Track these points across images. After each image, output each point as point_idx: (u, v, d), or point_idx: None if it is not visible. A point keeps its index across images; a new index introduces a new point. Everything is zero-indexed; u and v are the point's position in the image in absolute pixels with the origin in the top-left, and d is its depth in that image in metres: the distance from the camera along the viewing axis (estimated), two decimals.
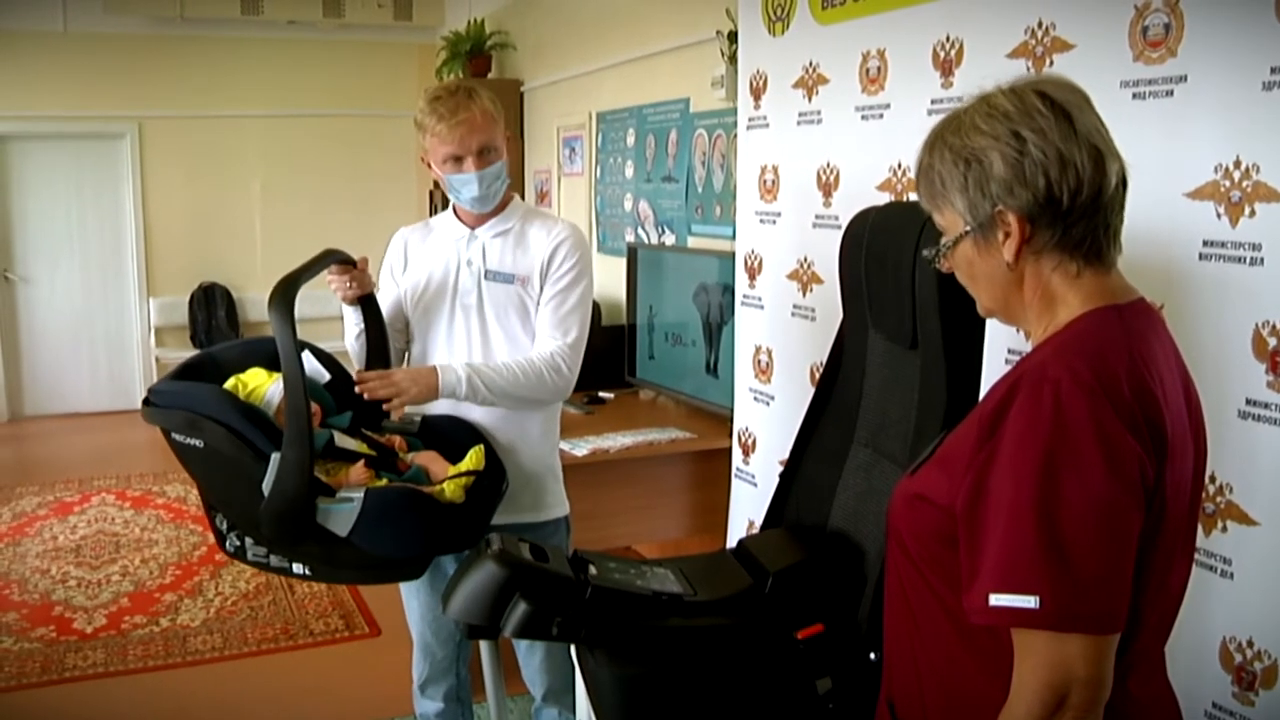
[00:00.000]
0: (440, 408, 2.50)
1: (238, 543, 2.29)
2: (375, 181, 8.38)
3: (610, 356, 4.81)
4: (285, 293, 2.15)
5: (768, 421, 3.43)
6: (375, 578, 2.50)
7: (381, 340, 2.50)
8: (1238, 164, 1.90)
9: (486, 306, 2.51)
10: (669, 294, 4.56)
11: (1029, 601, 1.15)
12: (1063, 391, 1.18)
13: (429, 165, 2.53)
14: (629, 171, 5.43)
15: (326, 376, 2.48)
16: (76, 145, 7.84)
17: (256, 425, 2.18)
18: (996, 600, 1.17)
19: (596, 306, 5.23)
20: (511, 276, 2.50)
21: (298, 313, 2.16)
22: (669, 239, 5.04)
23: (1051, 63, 2.26)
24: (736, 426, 3.61)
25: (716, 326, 4.12)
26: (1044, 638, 1.17)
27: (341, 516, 2.14)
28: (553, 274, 2.49)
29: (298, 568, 2.26)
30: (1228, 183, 1.92)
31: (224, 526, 2.32)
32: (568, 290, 2.49)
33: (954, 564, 1.25)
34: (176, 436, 2.23)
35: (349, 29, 8.04)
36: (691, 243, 4.83)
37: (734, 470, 3.62)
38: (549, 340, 2.47)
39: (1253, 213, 1.89)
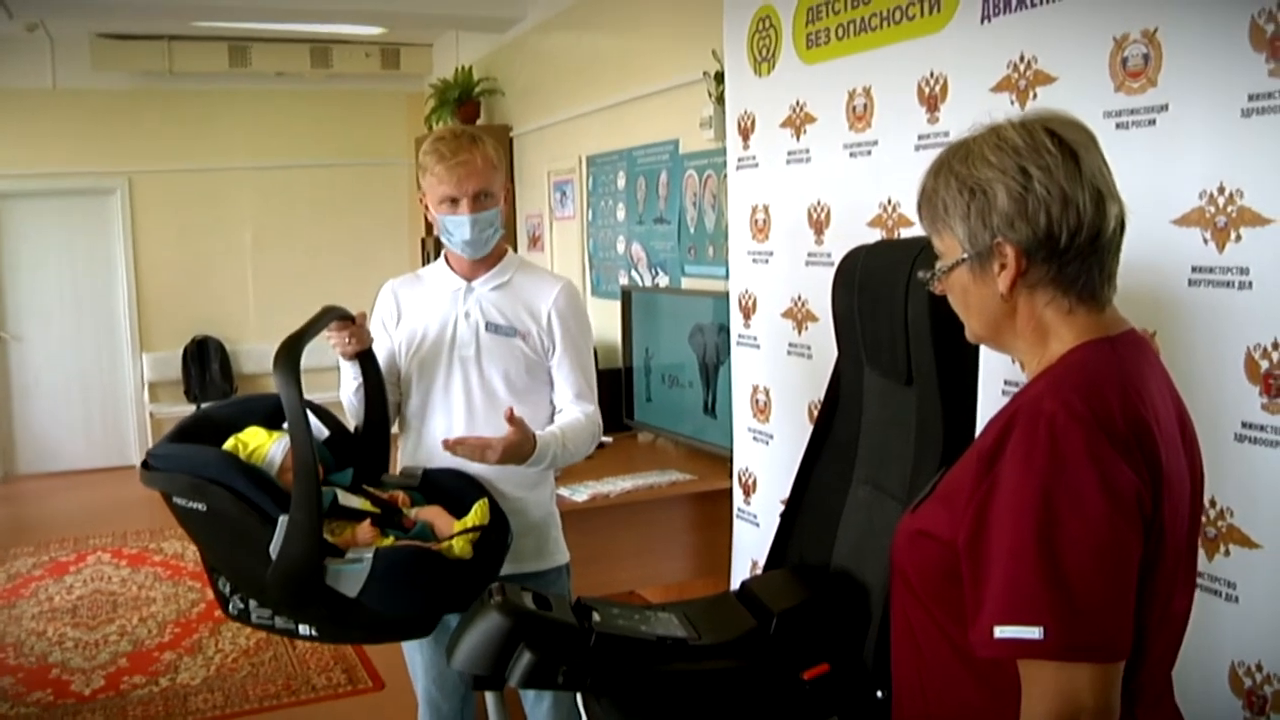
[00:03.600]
0: (440, 460, 2.50)
1: (241, 605, 2.28)
2: (367, 231, 8.43)
3: (608, 400, 4.78)
4: (290, 353, 2.16)
5: (768, 461, 3.44)
6: (383, 637, 2.49)
7: (380, 395, 2.51)
8: (1221, 190, 1.94)
9: (484, 358, 2.52)
10: (664, 336, 4.59)
11: (1033, 633, 1.17)
12: (1057, 425, 1.20)
13: (426, 207, 2.56)
14: (620, 214, 5.47)
15: (325, 433, 2.48)
16: (67, 202, 7.89)
17: (262, 488, 2.18)
18: (1001, 632, 1.19)
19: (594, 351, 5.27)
20: (513, 330, 2.52)
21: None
22: (663, 280, 5.08)
23: (1035, 96, 2.30)
24: (736, 467, 3.62)
25: (713, 367, 4.14)
26: (1050, 668, 1.18)
27: (351, 577, 2.13)
28: (565, 334, 2.53)
29: (304, 629, 2.25)
30: (1213, 208, 1.96)
31: (227, 590, 2.30)
32: (583, 351, 2.56)
33: (959, 599, 1.27)
34: (178, 500, 2.22)
35: (337, 79, 8.13)
36: (685, 284, 4.86)
37: (735, 511, 3.62)
38: (584, 404, 2.53)
39: (1239, 237, 1.92)
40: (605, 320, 5.59)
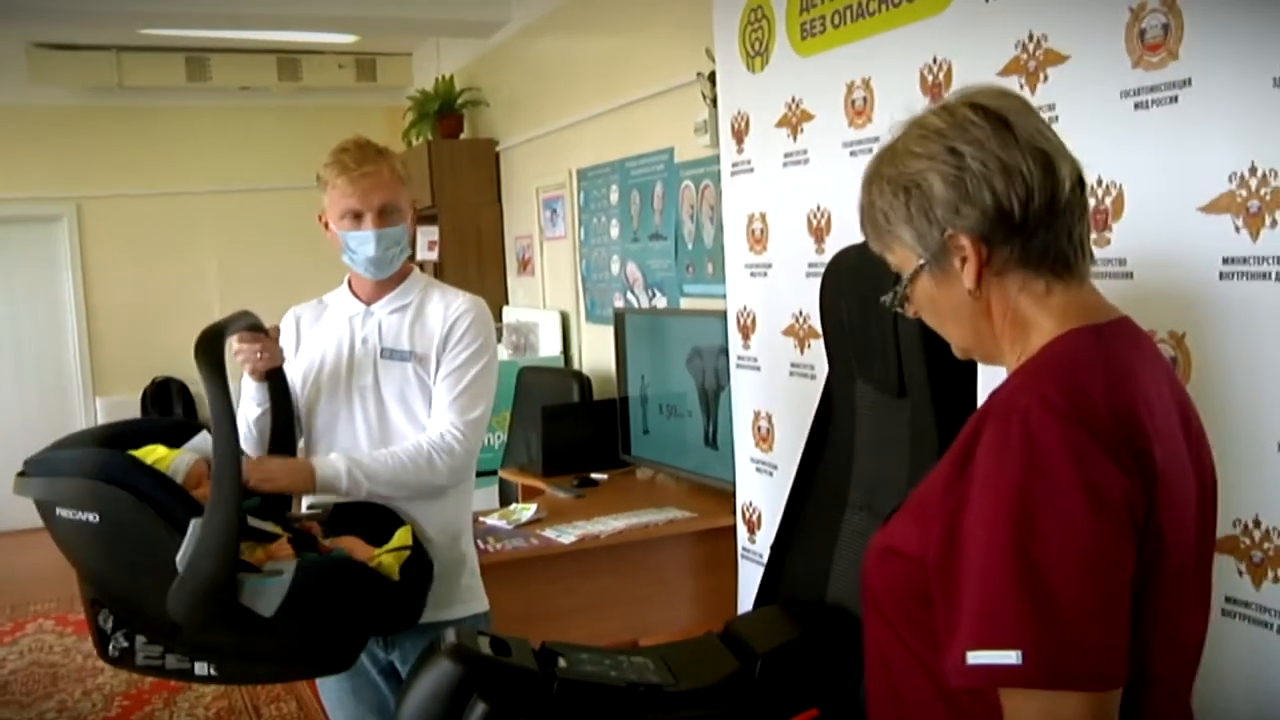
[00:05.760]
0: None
1: (125, 644, 2.23)
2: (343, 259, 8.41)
3: (601, 434, 4.81)
4: (213, 342, 2.18)
5: (773, 493, 3.40)
6: (294, 672, 2.48)
7: (288, 422, 2.52)
8: (1254, 171, 1.91)
9: (383, 387, 2.53)
10: (662, 361, 4.58)
11: (1010, 657, 1.13)
12: (1032, 420, 1.17)
13: (326, 225, 2.61)
14: (614, 231, 5.48)
15: None
16: (5, 231, 7.87)
17: (170, 492, 2.16)
18: (975, 658, 1.15)
19: (586, 381, 5.28)
20: (408, 354, 2.53)
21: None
22: (660, 301, 5.07)
23: (1046, 77, 2.29)
24: (740, 501, 3.59)
25: (713, 393, 4.12)
26: (1034, 699, 1.14)
27: (268, 593, 2.10)
28: (450, 350, 2.51)
29: (200, 668, 2.20)
30: (1244, 192, 1.93)
31: (109, 626, 2.25)
32: (465, 366, 2.51)
33: (932, 623, 1.24)
34: (63, 513, 2.16)
35: (307, 93, 8.17)
36: (684, 304, 4.86)
37: (740, 550, 3.59)
38: (441, 419, 2.48)
39: (1275, 222, 1.89)
40: (601, 347, 5.58)
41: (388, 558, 2.28)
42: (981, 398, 1.83)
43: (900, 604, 1.32)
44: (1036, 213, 1.27)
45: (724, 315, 3.72)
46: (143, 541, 2.13)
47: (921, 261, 1.33)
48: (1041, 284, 1.30)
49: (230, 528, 2.08)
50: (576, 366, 5.94)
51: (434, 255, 6.72)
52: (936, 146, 1.28)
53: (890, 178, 1.33)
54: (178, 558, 2.08)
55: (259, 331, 2.46)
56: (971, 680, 1.17)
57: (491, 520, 3.80)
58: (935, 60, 2.61)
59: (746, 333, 3.49)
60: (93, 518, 2.14)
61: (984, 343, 1.36)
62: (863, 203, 1.39)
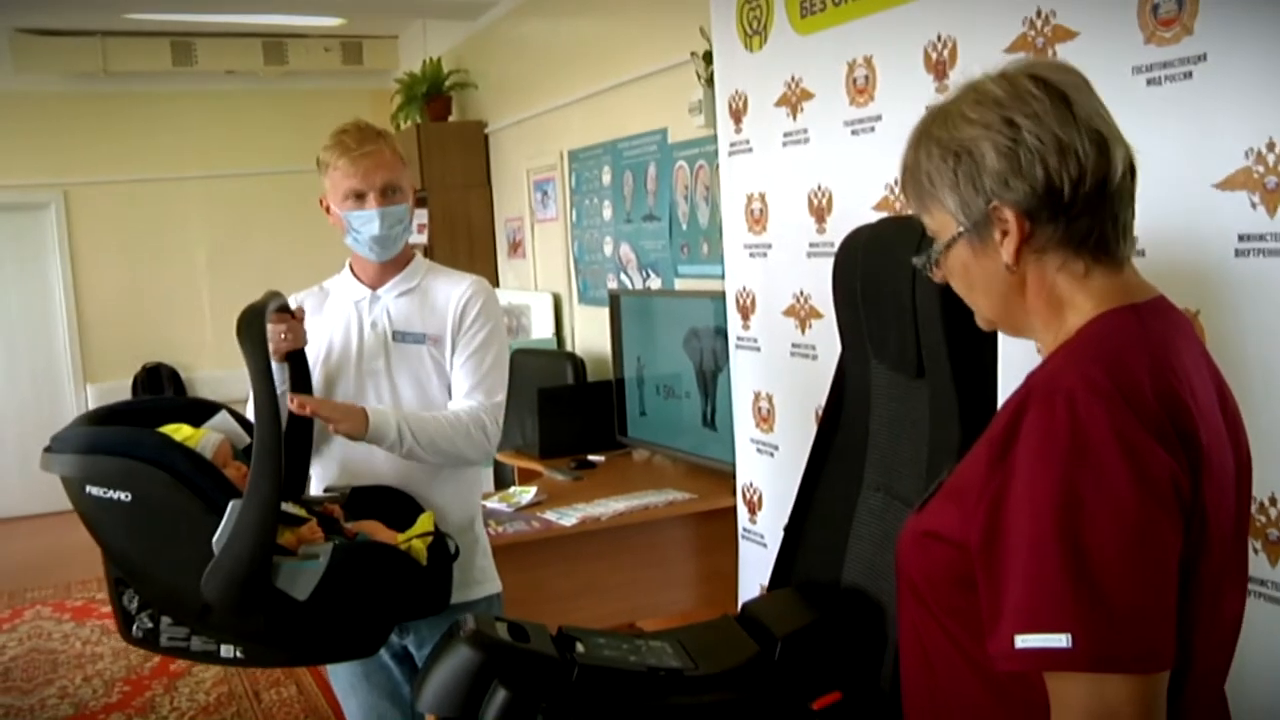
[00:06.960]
0: (359, 481, 2.51)
1: (149, 625, 2.22)
2: (332, 243, 8.30)
3: (597, 416, 4.80)
4: (255, 323, 2.19)
5: (773, 474, 3.40)
6: (322, 655, 2.46)
7: None
8: (1271, 146, 1.89)
9: (395, 370, 2.53)
10: (658, 343, 4.55)
11: (1060, 640, 1.11)
12: (1078, 402, 1.15)
13: (327, 209, 2.59)
14: (607, 213, 5.44)
15: (247, 440, 2.45)
16: None
17: (205, 473, 2.14)
18: (1023, 642, 1.13)
19: (580, 363, 5.26)
20: (422, 336, 2.54)
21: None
22: (655, 283, 5.04)
23: (1054, 54, 2.26)
24: (740, 482, 3.58)
25: (711, 374, 4.10)
26: (1081, 681, 1.12)
27: (304, 576, 2.08)
28: (465, 332, 2.53)
29: (226, 650, 2.19)
30: (1261, 168, 1.91)
31: (133, 606, 2.24)
32: (484, 348, 2.53)
33: (973, 608, 1.22)
34: (94, 491, 2.13)
35: (294, 77, 8.10)
36: (679, 285, 4.83)
37: (740, 531, 3.58)
38: (470, 399, 2.50)
39: None
40: (593, 329, 5.56)
41: (417, 542, 2.28)
42: (1009, 379, 1.82)
43: (940, 588, 1.30)
44: (1086, 195, 1.24)
45: (721, 296, 3.70)
46: (175, 521, 2.12)
47: (961, 229, 1.30)
48: (1081, 265, 1.27)
49: (270, 510, 2.07)
50: (569, 348, 5.92)
51: (423, 238, 6.68)
52: (993, 115, 1.25)
53: (941, 140, 1.29)
54: (214, 539, 2.07)
55: (285, 312, 2.44)
56: (1019, 664, 1.15)
57: (492, 503, 3.78)
58: (940, 38, 2.58)
59: (746, 313, 3.47)
60: (124, 496, 2.12)
61: (1012, 317, 1.34)
62: (907, 161, 1.35)
